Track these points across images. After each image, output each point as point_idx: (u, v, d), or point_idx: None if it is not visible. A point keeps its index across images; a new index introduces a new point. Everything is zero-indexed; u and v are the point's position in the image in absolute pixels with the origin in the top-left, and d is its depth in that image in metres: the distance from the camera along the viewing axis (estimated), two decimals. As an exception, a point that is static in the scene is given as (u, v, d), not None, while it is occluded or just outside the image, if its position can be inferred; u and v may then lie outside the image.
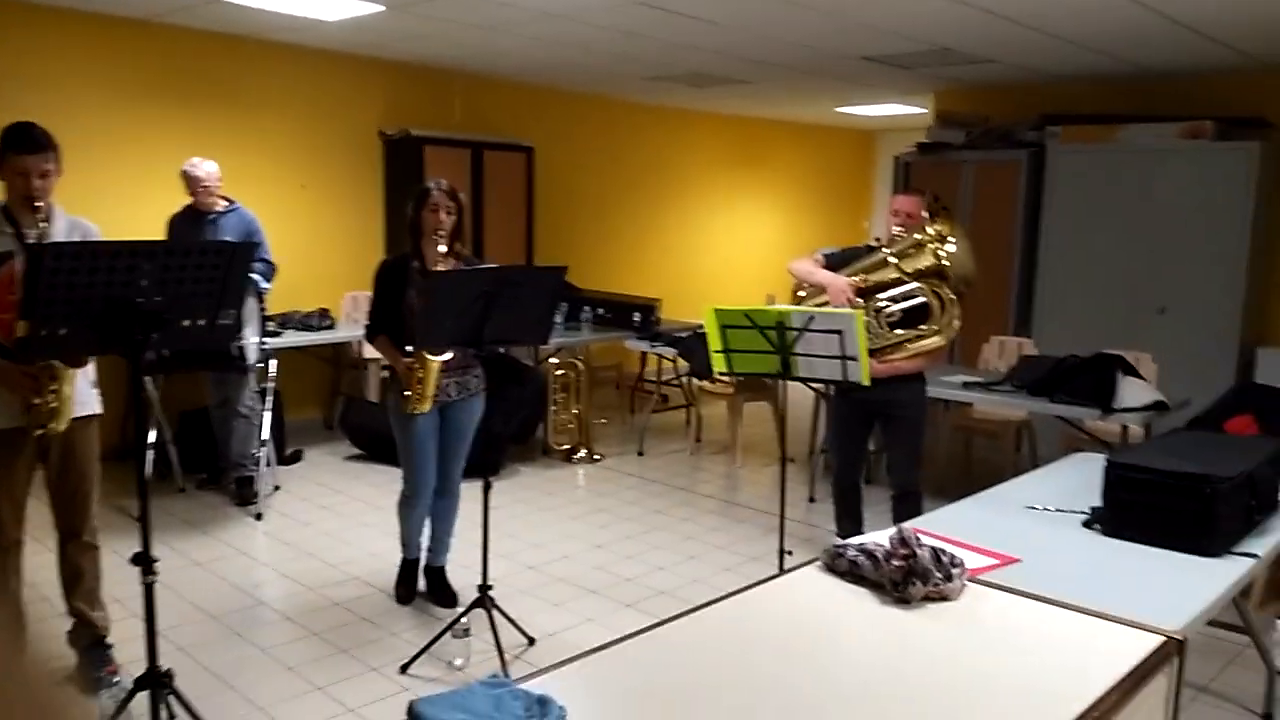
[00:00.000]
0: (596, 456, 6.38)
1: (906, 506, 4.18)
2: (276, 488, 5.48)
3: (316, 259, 7.01)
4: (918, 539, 2.19)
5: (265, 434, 5.28)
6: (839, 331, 3.26)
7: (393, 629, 3.76)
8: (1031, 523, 2.80)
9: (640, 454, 6.53)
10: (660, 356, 7.21)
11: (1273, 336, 6.23)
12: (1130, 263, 6.42)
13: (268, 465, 5.37)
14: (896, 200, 4.11)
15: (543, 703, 1.60)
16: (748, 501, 5.59)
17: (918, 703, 1.70)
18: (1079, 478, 3.25)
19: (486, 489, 3.47)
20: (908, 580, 2.13)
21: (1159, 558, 2.50)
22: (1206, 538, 2.51)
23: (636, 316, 6.73)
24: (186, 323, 2.74)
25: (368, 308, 3.93)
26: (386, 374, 4.52)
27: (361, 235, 7.34)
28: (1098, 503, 2.82)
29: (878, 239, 4.31)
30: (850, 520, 4.41)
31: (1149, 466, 2.62)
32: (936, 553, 2.19)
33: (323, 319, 6.42)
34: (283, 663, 3.46)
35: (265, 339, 5.24)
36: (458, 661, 3.46)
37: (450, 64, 7.29)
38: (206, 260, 2.70)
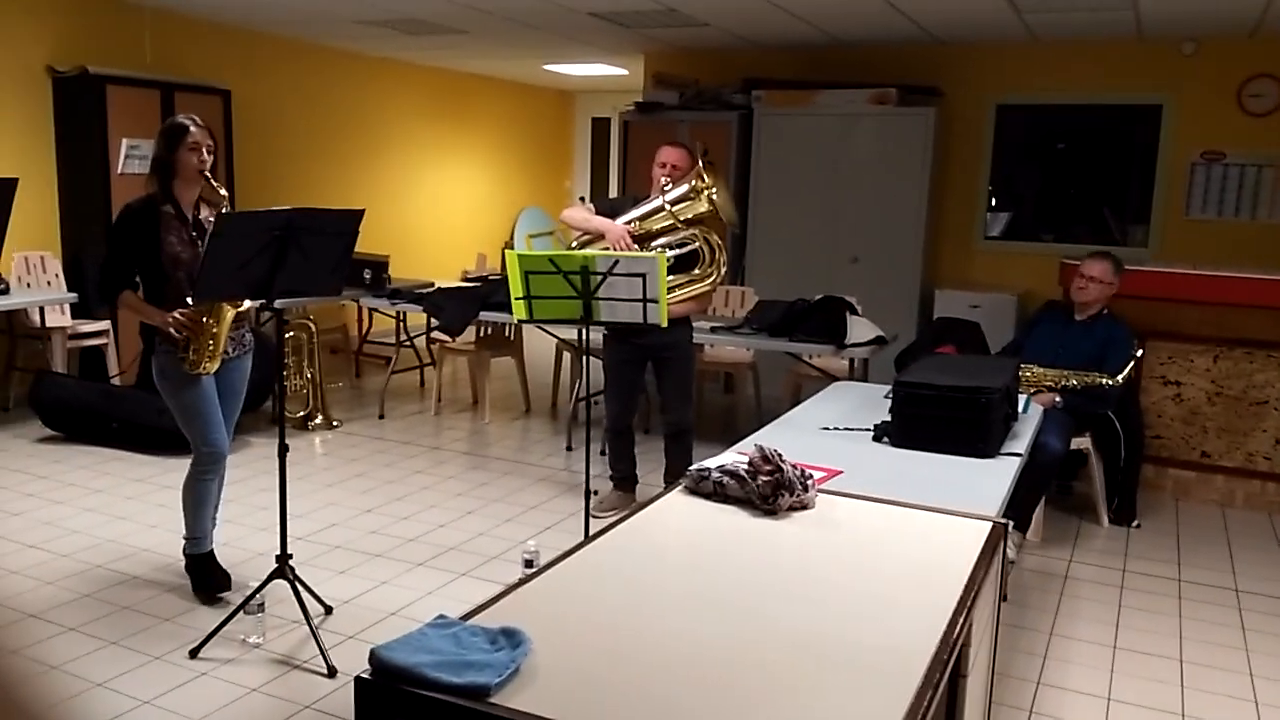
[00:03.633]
0: (335, 422, 6.07)
1: (680, 444, 4.41)
2: (-38, 478, 4.72)
3: (-23, 214, 6.02)
4: (778, 454, 2.35)
5: (-50, 415, 4.51)
6: (643, 274, 3.36)
7: (163, 615, 3.40)
8: (831, 441, 3.08)
9: (381, 417, 6.29)
10: (394, 317, 6.97)
11: (945, 279, 7.17)
12: (827, 216, 7.09)
13: (-50, 452, 4.60)
14: (664, 152, 4.26)
15: (509, 634, 1.57)
16: (505, 454, 5.59)
17: (834, 595, 1.84)
18: (848, 402, 3.61)
19: (283, 453, 3.23)
20: (777, 493, 2.28)
21: (947, 462, 2.86)
22: (983, 441, 2.91)
23: (367, 274, 6.44)
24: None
25: (105, 262, 3.44)
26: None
27: (29, 188, 6.38)
28: (877, 420, 3.17)
29: (638, 196, 4.46)
30: (625, 461, 4.57)
31: (932, 383, 2.97)
32: (793, 466, 2.37)
33: (-7, 284, 5.56)
34: (45, 663, 3.02)
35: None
36: (253, 639, 3.21)
37: (135, -5, 6.52)
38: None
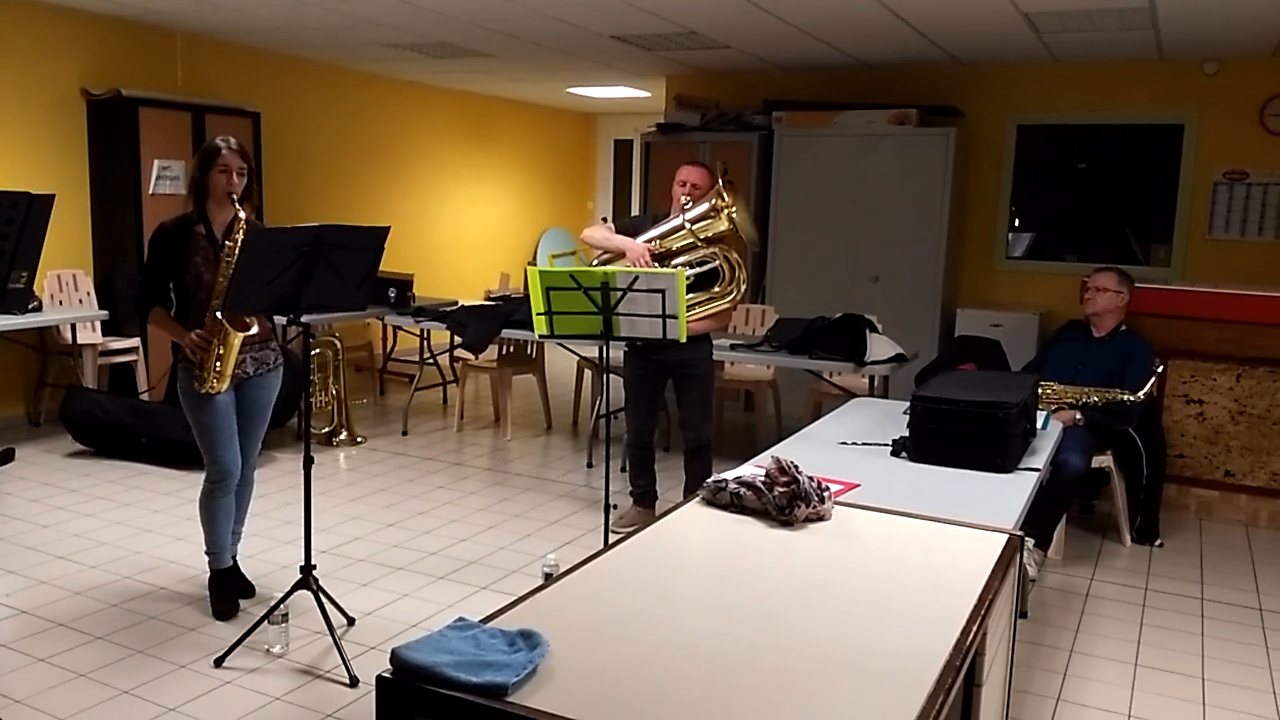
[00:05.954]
0: (359, 438, 6.14)
1: (699, 461, 4.43)
2: (-6, 490, 4.81)
3: (13, 233, 6.15)
4: (795, 466, 2.38)
5: (-16, 429, 4.60)
6: (662, 290, 3.40)
7: (189, 625, 3.46)
8: (849, 455, 3.09)
9: (405, 433, 6.36)
10: (417, 335, 7.05)
11: (967, 298, 7.17)
12: (848, 236, 7.12)
13: (-17, 466, 4.69)
14: (684, 171, 4.31)
15: (526, 635, 1.60)
16: (526, 471, 5.63)
17: (848, 603, 1.86)
18: (867, 418, 3.62)
19: (308, 465, 3.29)
20: (793, 504, 2.30)
21: (964, 476, 2.86)
22: (1001, 457, 2.91)
23: (392, 292, 6.53)
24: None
25: (141, 278, 3.52)
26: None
27: (63, 207, 6.50)
28: (895, 435, 3.18)
29: (656, 214, 4.51)
30: (646, 477, 4.60)
31: (950, 398, 2.98)
32: (809, 478, 2.39)
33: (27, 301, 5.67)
34: (72, 670, 3.08)
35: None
36: (276, 648, 3.26)
37: (170, 21, 6.66)
38: (-1, 213, 2.36)
